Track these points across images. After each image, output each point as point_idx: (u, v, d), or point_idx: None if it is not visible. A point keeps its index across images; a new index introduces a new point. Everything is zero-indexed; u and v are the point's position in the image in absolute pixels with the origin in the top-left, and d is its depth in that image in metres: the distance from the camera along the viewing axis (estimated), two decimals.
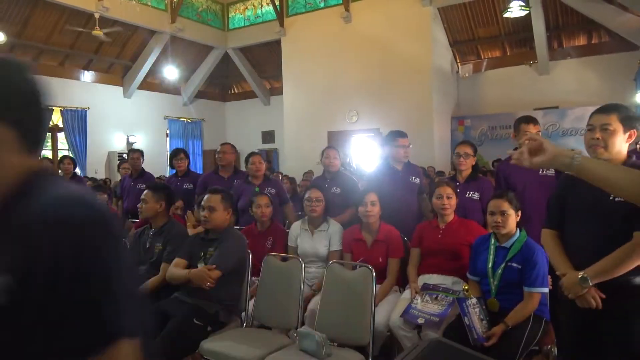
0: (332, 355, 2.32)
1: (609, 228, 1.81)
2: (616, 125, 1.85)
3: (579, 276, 1.79)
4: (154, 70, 12.58)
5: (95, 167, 11.63)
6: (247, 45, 13.00)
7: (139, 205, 3.07)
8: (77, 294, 0.67)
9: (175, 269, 2.80)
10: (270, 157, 14.59)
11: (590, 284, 1.78)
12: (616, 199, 1.75)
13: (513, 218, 2.55)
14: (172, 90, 13.53)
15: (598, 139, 1.86)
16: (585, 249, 1.88)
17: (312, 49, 11.32)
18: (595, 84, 9.93)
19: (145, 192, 3.07)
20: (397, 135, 3.59)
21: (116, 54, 11.89)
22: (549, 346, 2.57)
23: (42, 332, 0.68)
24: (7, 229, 0.72)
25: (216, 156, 4.52)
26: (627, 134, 1.87)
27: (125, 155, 12.07)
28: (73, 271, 0.67)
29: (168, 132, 13.69)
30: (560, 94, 10.24)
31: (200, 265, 2.76)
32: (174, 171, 5.11)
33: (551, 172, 2.95)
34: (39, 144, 0.86)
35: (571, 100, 10.05)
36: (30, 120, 0.82)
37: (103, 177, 11.05)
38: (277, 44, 12.20)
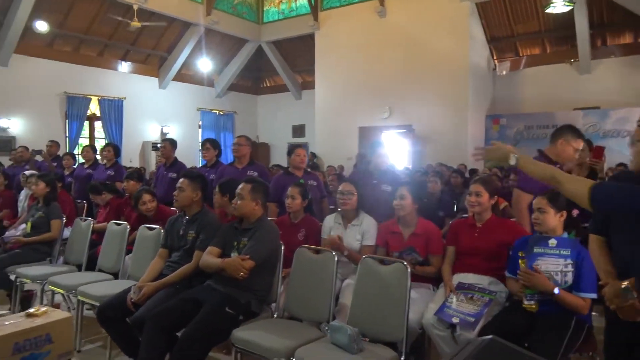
0: (364, 350, 2.29)
1: None
2: None
3: (622, 286, 1.67)
4: (188, 62, 12.77)
5: (130, 156, 11.89)
6: (281, 38, 13.05)
7: (175, 193, 3.10)
8: None
9: (209, 257, 2.81)
10: None
11: (635, 296, 1.66)
12: None
13: (552, 216, 2.46)
14: (205, 82, 13.72)
15: None
16: (629, 258, 1.77)
17: (346, 44, 11.26)
18: (639, 84, 9.53)
19: (182, 180, 3.09)
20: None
21: (152, 46, 12.12)
22: (590, 353, 2.47)
23: None
24: None
25: (232, 148, 4.62)
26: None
27: (159, 145, 12.33)
28: None
29: (200, 123, 13.89)
30: (602, 94, 9.88)
31: (234, 255, 2.77)
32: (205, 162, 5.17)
33: None
34: None
35: (613, 100, 9.68)
36: None
37: (137, 165, 11.28)
38: (310, 38, 12.19)
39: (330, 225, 3.32)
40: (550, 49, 10.86)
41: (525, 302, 2.38)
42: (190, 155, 12.29)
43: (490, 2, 10.07)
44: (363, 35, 10.95)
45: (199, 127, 13.91)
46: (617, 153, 8.49)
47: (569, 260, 2.39)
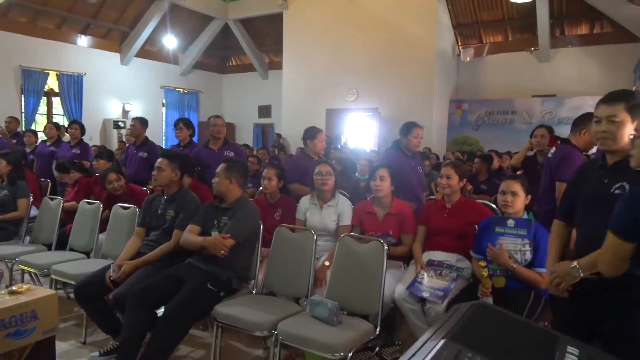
0: (342, 323, 2.42)
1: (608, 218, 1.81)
2: (623, 116, 1.78)
3: (572, 266, 1.79)
4: (152, 38, 12.41)
5: (91, 133, 11.51)
6: (248, 17, 12.83)
7: (153, 172, 3.10)
8: None
9: (190, 235, 2.86)
10: (266, 132, 14.56)
11: (582, 275, 1.77)
12: (616, 192, 1.76)
13: (522, 199, 2.65)
14: (170, 59, 13.37)
15: (605, 131, 1.81)
16: (594, 237, 1.85)
17: (314, 25, 11.21)
18: (594, 74, 10.02)
19: (161, 160, 3.10)
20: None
21: (114, 20, 11.69)
22: (547, 323, 2.70)
23: None
24: None
25: (210, 129, 4.50)
26: (635, 123, 1.79)
27: (120, 123, 12.00)
28: None
29: (164, 101, 13.58)
30: (559, 82, 10.33)
31: (214, 234, 2.83)
32: (178, 142, 5.12)
33: None
34: None
35: (570, 89, 10.14)
36: None
37: (98, 144, 10.96)
38: (278, 17, 12.05)
39: (306, 206, 3.41)
40: (512, 37, 11.21)
41: (494, 278, 2.57)
42: (154, 134, 12.02)
43: None
44: (332, 16, 10.94)
45: (163, 105, 13.60)
46: None
47: (525, 240, 2.59)
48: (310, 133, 4.19)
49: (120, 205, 3.70)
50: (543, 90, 10.46)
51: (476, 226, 2.90)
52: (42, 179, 5.54)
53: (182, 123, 4.85)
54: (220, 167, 3.00)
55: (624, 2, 8.93)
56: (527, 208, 2.84)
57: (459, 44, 11.60)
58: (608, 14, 9.49)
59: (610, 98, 1.83)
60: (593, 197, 1.88)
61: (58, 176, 4.86)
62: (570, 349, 0.92)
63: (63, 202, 4.15)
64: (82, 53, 11.41)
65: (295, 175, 3.97)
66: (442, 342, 0.83)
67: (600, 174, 1.89)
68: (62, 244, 3.96)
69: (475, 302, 1.04)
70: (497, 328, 1.00)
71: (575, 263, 1.80)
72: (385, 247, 2.61)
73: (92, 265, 3.29)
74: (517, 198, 2.65)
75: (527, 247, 2.58)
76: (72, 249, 3.85)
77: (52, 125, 6.31)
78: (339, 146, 9.03)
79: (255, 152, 8.36)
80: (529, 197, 2.70)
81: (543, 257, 2.52)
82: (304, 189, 3.82)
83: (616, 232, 1.56)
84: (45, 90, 10.82)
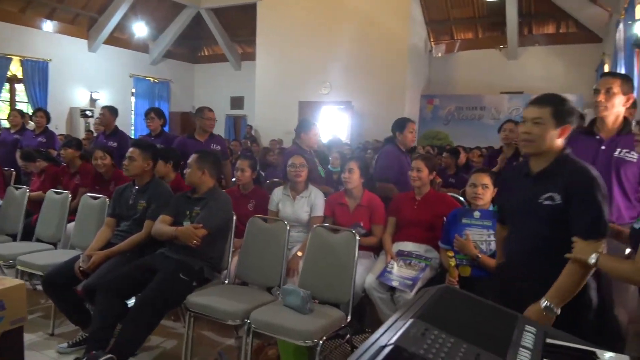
0: (314, 311, 2.47)
1: (538, 230, 1.80)
2: (548, 120, 1.76)
3: (543, 305, 1.68)
4: (121, 25, 12.11)
5: (56, 122, 11.17)
6: (221, 6, 12.66)
7: (125, 162, 3.06)
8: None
9: (162, 225, 2.85)
10: (239, 123, 14.45)
11: (557, 312, 1.68)
12: (545, 202, 1.75)
13: (490, 191, 2.75)
14: (139, 47, 13.09)
15: (528, 133, 1.79)
16: (517, 250, 1.91)
17: (289, 16, 11.17)
18: (560, 73, 10.35)
19: (132, 149, 3.06)
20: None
21: (82, 5, 11.35)
22: None
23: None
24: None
25: (204, 121, 4.44)
26: (560, 129, 1.77)
27: (88, 112, 11.69)
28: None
29: (134, 90, 13.30)
30: (526, 80, 10.62)
31: (187, 224, 2.82)
32: (149, 131, 5.05)
33: (632, 155, 2.39)
34: None
35: (536, 86, 10.42)
36: None
37: (64, 132, 10.66)
38: (252, 7, 11.94)
39: (279, 197, 3.44)
40: (482, 34, 11.45)
41: (460, 268, 2.67)
42: (123, 124, 11.74)
43: None
44: (306, 9, 10.91)
45: (132, 94, 13.31)
46: None
47: (491, 231, 2.70)
48: (305, 126, 4.16)
49: (89, 195, 3.64)
50: (511, 87, 10.75)
51: (444, 218, 3.00)
52: (6, 168, 5.36)
53: (154, 112, 4.77)
54: (192, 158, 2.99)
55: (588, 3, 9.25)
56: (493, 200, 2.94)
57: (431, 39, 11.78)
58: (573, 15, 9.82)
59: (540, 100, 1.82)
60: (520, 208, 1.88)
61: (23, 165, 4.73)
62: (527, 327, 1.00)
63: (29, 192, 4.04)
64: (47, 38, 11.04)
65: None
66: (410, 321, 0.88)
67: (525, 182, 1.87)
68: (27, 234, 3.87)
69: (442, 285, 1.10)
70: (462, 309, 1.06)
71: (545, 301, 1.68)
72: (357, 238, 2.66)
73: (60, 256, 3.23)
74: (487, 190, 2.76)
75: (492, 238, 2.68)
76: (38, 240, 3.76)
77: (16, 113, 6.10)
78: None
79: (227, 144, 8.29)
80: (496, 189, 2.80)
81: None
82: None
83: None
84: (8, 76, 10.44)
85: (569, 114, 1.79)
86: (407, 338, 0.84)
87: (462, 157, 6.19)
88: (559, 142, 1.80)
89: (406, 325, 0.86)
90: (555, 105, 1.78)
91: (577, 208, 1.71)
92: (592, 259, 1.61)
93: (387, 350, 0.78)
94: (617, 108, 2.39)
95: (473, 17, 11.08)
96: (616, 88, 2.35)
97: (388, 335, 0.84)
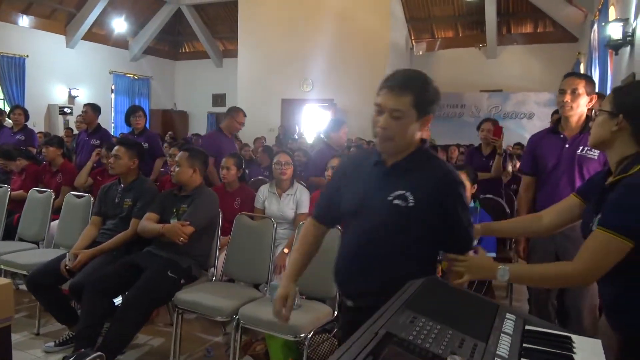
0: (302, 306, 2.52)
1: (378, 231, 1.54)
2: (409, 111, 1.44)
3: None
4: (100, 21, 11.92)
5: (34, 119, 10.97)
6: (202, 2, 12.58)
7: (110, 160, 3.07)
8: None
9: (148, 223, 2.86)
10: (221, 121, 14.36)
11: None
12: (394, 201, 1.47)
13: (468, 188, 2.84)
14: (119, 44, 12.90)
15: (385, 128, 1.46)
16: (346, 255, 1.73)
17: (270, 13, 11.15)
18: (537, 71, 10.58)
19: (118, 147, 3.07)
20: None
21: (59, 0, 11.13)
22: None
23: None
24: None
25: (235, 125, 4.59)
26: (422, 120, 1.48)
27: (67, 109, 11.50)
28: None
29: (113, 87, 13.11)
30: (505, 78, 10.83)
31: (173, 221, 2.84)
32: (131, 129, 5.05)
33: (593, 153, 2.44)
34: None
35: (514, 85, 10.66)
36: None
37: (42, 130, 10.48)
38: (234, 4, 11.88)
39: (265, 195, 3.48)
40: (462, 33, 11.62)
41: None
42: (102, 120, 11.58)
43: None
44: (288, 5, 10.91)
45: (112, 91, 13.11)
46: (514, 133, 9.52)
47: None
48: (334, 125, 4.32)
49: (73, 194, 3.63)
50: (490, 86, 10.94)
51: None
52: None
53: (142, 111, 4.84)
54: (181, 156, 2.99)
55: (564, 3, 9.48)
56: (473, 197, 3.04)
57: (412, 37, 11.90)
58: (550, 15, 10.04)
59: (399, 86, 1.45)
60: (362, 203, 1.56)
61: (2, 163, 4.66)
62: (508, 315, 1.07)
63: (10, 191, 3.99)
64: (24, 34, 10.80)
65: (317, 169, 3.96)
66: (399, 310, 0.94)
67: (375, 173, 1.57)
68: (8, 234, 3.83)
69: (429, 277, 1.17)
70: (447, 299, 1.13)
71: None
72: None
73: (43, 255, 3.22)
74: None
75: None
76: (21, 239, 3.73)
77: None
78: (295, 137, 9.10)
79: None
80: (475, 186, 2.89)
81: (487, 242, 2.73)
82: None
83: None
84: None
85: (431, 102, 1.48)
86: (397, 325, 0.90)
87: (441, 155, 6.32)
88: (419, 135, 1.52)
89: (396, 314, 0.93)
90: (417, 93, 1.44)
91: (456, 218, 1.50)
92: (503, 275, 1.37)
93: (379, 336, 0.84)
94: (581, 108, 2.49)
95: (453, 15, 11.24)
96: (581, 89, 2.43)
97: (379, 323, 0.90)
